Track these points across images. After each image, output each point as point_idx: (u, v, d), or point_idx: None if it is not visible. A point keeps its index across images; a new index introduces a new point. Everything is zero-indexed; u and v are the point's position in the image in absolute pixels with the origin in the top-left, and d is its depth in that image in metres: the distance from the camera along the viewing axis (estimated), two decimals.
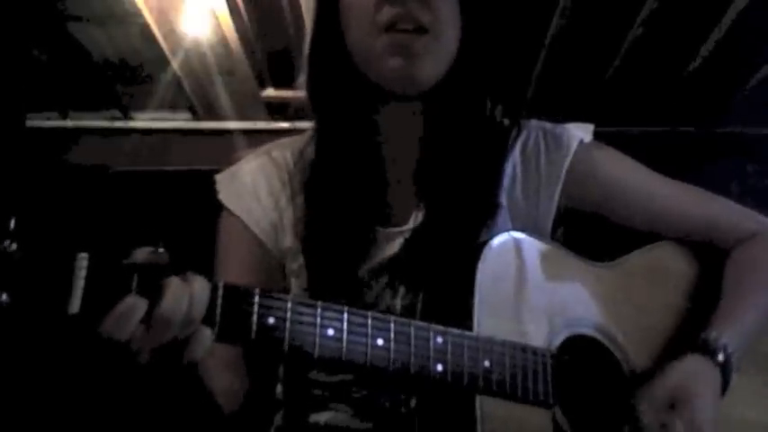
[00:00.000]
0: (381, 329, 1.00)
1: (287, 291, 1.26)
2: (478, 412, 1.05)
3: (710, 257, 1.30)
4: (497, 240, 1.14)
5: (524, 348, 1.09)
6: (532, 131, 1.32)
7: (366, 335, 0.99)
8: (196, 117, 3.35)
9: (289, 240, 1.26)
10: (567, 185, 1.28)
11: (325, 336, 0.97)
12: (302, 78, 1.27)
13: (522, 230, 1.19)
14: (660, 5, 2.70)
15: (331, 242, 1.20)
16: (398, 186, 1.26)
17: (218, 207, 1.30)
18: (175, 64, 2.86)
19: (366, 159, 1.24)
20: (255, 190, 1.29)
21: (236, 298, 0.93)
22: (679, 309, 1.27)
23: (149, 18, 2.61)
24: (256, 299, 0.94)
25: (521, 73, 3.10)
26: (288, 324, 0.95)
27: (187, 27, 2.66)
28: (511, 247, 1.15)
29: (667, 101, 3.23)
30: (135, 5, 2.55)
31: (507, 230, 1.18)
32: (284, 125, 3.19)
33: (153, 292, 0.88)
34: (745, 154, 3.28)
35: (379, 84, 1.19)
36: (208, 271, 1.02)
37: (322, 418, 1.23)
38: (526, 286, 1.15)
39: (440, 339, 1.04)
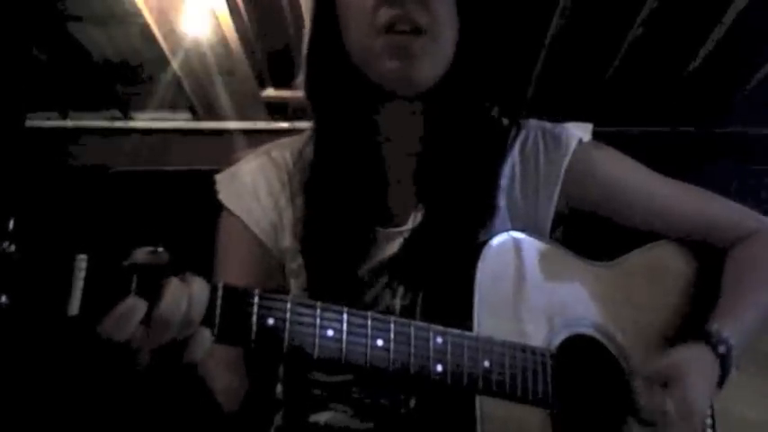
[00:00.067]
0: (381, 330, 1.00)
1: (287, 291, 1.27)
2: (478, 412, 1.05)
3: (710, 257, 1.30)
4: (497, 240, 1.14)
5: (524, 348, 1.09)
6: (531, 131, 1.32)
7: (366, 335, 0.99)
8: (196, 117, 3.35)
9: (288, 240, 1.26)
10: (566, 185, 1.28)
11: (324, 336, 0.97)
12: (301, 78, 1.27)
13: (522, 230, 1.19)
14: (660, 5, 2.70)
15: (330, 242, 1.20)
16: (398, 186, 1.26)
17: (218, 207, 1.30)
18: (175, 64, 2.86)
19: (366, 159, 1.24)
20: (255, 190, 1.29)
21: (236, 299, 0.93)
22: (678, 308, 1.27)
23: (149, 18, 2.61)
24: (256, 300, 0.94)
25: (521, 73, 3.10)
26: (287, 325, 0.95)
27: (187, 27, 2.66)
28: (510, 247, 1.15)
29: (667, 101, 3.23)
30: (135, 5, 2.55)
31: (507, 230, 1.18)
32: (284, 125, 3.19)
33: (152, 293, 0.88)
34: (745, 154, 3.28)
35: (379, 84, 1.19)
36: (208, 271, 1.03)
37: (322, 418, 1.23)
38: (526, 286, 1.15)
39: (439, 340, 1.04)
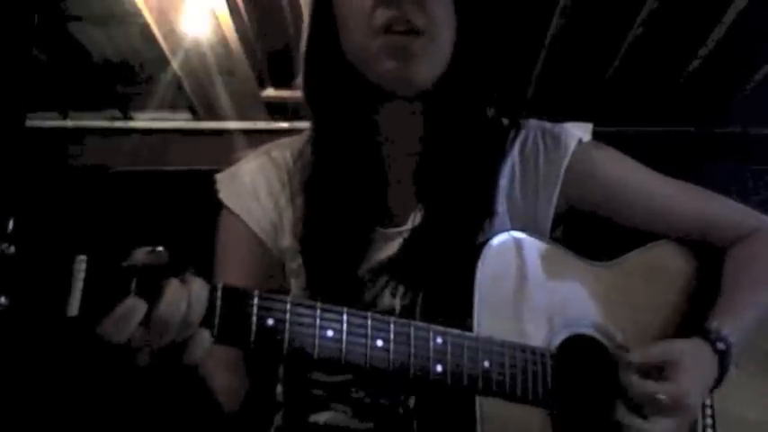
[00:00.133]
0: (381, 330, 1.00)
1: (287, 291, 1.27)
2: (478, 412, 1.05)
3: (709, 256, 1.30)
4: (497, 240, 1.14)
5: (524, 348, 1.09)
6: (531, 131, 1.32)
7: (366, 336, 0.99)
8: (196, 117, 3.36)
9: (288, 240, 1.26)
10: (565, 185, 1.28)
11: (324, 337, 0.97)
12: (300, 78, 1.27)
13: (522, 230, 1.19)
14: (660, 5, 2.70)
15: (330, 242, 1.20)
16: (398, 186, 1.26)
17: (218, 207, 1.30)
18: (175, 64, 2.86)
19: (365, 159, 1.24)
20: (255, 190, 1.29)
21: (236, 299, 0.93)
22: (678, 308, 1.27)
23: (149, 18, 2.61)
24: (255, 300, 0.94)
25: (521, 73, 3.10)
26: (287, 325, 0.95)
27: (187, 27, 2.66)
28: (510, 247, 1.15)
29: (667, 101, 3.23)
30: (135, 5, 2.55)
31: (507, 230, 1.18)
32: (284, 125, 3.19)
33: (152, 294, 0.88)
34: (745, 154, 3.28)
35: (378, 84, 1.19)
36: (208, 271, 1.02)
37: (322, 418, 1.24)
38: (526, 286, 1.15)
39: (439, 340, 1.04)
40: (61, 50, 2.86)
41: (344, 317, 0.98)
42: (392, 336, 1.01)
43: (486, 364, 1.06)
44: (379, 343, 1.00)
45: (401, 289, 1.20)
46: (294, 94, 1.29)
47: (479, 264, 1.11)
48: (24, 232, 0.85)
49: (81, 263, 0.86)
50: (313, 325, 0.96)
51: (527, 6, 2.68)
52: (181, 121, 3.39)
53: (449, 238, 1.18)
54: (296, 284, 1.26)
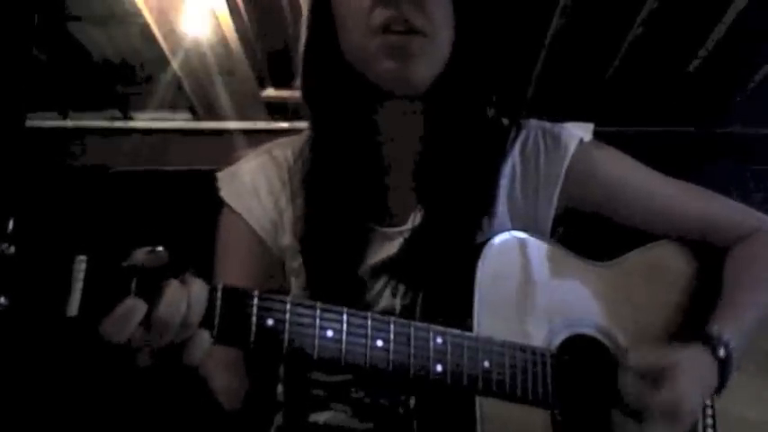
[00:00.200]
0: (381, 330, 1.00)
1: (287, 290, 1.27)
2: (478, 413, 1.05)
3: (710, 256, 1.30)
4: (498, 240, 1.14)
5: (524, 348, 1.09)
6: (532, 131, 1.32)
7: (365, 336, 0.99)
8: (196, 117, 3.36)
9: (288, 239, 1.26)
10: (566, 185, 1.28)
11: (324, 337, 0.97)
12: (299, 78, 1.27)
13: (523, 230, 1.19)
14: (660, 5, 2.70)
15: (329, 242, 1.20)
16: (398, 186, 1.26)
17: (218, 207, 1.31)
18: (175, 64, 2.86)
19: (365, 159, 1.24)
20: (255, 188, 1.29)
21: (235, 300, 0.93)
22: (679, 308, 1.26)
23: (149, 18, 2.61)
24: (255, 301, 0.94)
25: (521, 73, 3.10)
26: (287, 326, 0.95)
27: (187, 27, 2.66)
28: (511, 247, 1.15)
29: (667, 101, 3.23)
30: (135, 5, 2.55)
31: (507, 230, 1.18)
32: (284, 125, 3.19)
33: (152, 295, 0.88)
34: (745, 154, 3.28)
35: (376, 84, 1.19)
36: (208, 271, 1.02)
37: (322, 418, 1.24)
38: (526, 286, 1.15)
39: (439, 340, 1.03)
40: (61, 50, 2.86)
41: (344, 317, 0.98)
42: (392, 336, 1.01)
43: (487, 364, 1.05)
44: (379, 343, 1.00)
45: (401, 289, 1.20)
46: (294, 94, 1.29)
47: (480, 263, 1.11)
48: (24, 232, 0.84)
49: (81, 263, 0.85)
50: (313, 325, 0.96)
51: (527, 6, 2.68)
52: (181, 121, 3.39)
53: (449, 238, 1.18)
54: (296, 284, 1.26)
